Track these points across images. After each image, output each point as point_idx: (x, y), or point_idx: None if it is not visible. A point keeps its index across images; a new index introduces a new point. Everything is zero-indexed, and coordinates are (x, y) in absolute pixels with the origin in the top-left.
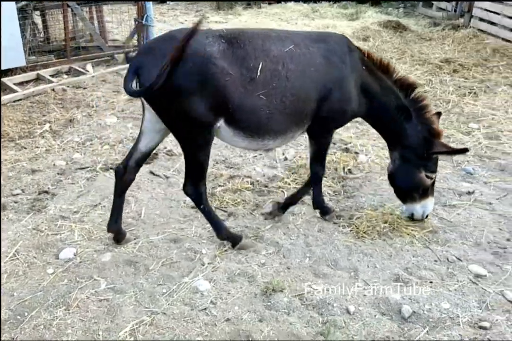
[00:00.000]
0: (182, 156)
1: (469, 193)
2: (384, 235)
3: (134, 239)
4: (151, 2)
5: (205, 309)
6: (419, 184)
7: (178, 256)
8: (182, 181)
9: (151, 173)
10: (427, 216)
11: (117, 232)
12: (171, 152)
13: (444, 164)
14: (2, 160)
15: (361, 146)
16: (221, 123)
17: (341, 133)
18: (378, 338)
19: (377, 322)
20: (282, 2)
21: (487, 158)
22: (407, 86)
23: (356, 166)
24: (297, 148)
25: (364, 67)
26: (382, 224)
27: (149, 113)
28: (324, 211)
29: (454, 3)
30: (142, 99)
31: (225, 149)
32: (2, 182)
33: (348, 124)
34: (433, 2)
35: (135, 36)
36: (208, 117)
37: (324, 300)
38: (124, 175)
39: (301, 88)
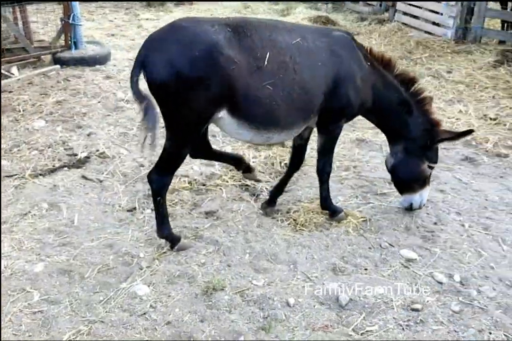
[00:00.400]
0: (116, 159)
1: None
2: (321, 226)
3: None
4: (77, 1)
5: (144, 313)
6: (421, 174)
7: (114, 261)
8: (116, 183)
9: (83, 177)
10: (423, 205)
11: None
12: (103, 154)
13: (375, 154)
14: None
15: None
16: (223, 114)
17: None
18: (318, 327)
19: (316, 312)
20: None
21: None
22: (408, 81)
23: None
24: (234, 145)
25: (368, 64)
26: (319, 215)
27: None
28: (332, 211)
29: None
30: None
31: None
32: None
33: None
34: None
35: (62, 36)
36: (210, 107)
37: (264, 295)
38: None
39: (309, 82)
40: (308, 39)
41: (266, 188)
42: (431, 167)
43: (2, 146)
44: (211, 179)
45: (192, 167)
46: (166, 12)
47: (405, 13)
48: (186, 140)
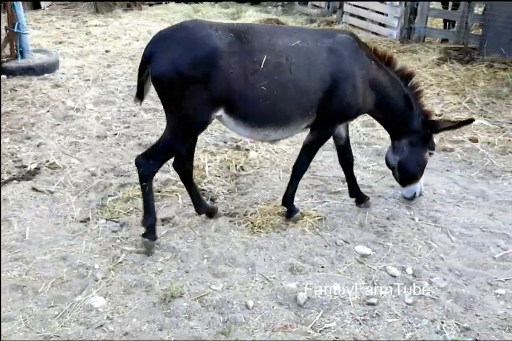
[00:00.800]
0: (67, 169)
1: None
2: (278, 227)
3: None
4: (22, 9)
5: (101, 326)
6: (425, 162)
7: (68, 274)
8: (68, 194)
9: (34, 189)
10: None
11: (207, 211)
12: (54, 165)
13: (328, 154)
14: None
15: (251, 143)
16: (221, 113)
17: (231, 132)
18: (277, 328)
19: (275, 312)
20: (164, 3)
21: (365, 144)
22: (407, 76)
23: (247, 163)
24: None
25: (372, 62)
26: (276, 217)
27: None
28: (290, 210)
29: None
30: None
31: (113, 157)
32: None
33: None
34: None
35: (8, 45)
36: (207, 106)
37: (223, 299)
38: (183, 167)
39: (305, 82)
40: (309, 41)
41: (222, 192)
42: (431, 154)
43: None
44: (166, 185)
45: None
46: (115, 18)
47: (352, 15)
48: (183, 136)
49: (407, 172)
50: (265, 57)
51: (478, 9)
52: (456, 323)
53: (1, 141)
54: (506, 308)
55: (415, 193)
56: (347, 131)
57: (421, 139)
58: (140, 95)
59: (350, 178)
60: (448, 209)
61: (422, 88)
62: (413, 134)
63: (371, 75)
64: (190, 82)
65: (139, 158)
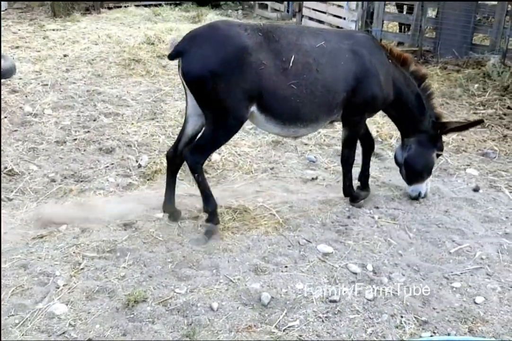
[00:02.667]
0: (25, 175)
1: (313, 179)
2: (241, 229)
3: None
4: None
5: (63, 333)
6: (432, 162)
7: (29, 282)
8: (27, 201)
9: None
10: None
11: (172, 211)
12: (12, 172)
13: (291, 155)
14: None
15: None
16: (254, 109)
17: None
18: (242, 329)
19: (239, 313)
20: (123, 7)
21: (326, 146)
22: (420, 77)
23: (210, 166)
24: (150, 154)
25: (390, 61)
26: (239, 218)
27: (191, 99)
28: (353, 197)
29: (286, 4)
30: (184, 84)
31: (73, 163)
32: None
33: None
34: (268, 3)
35: None
36: (242, 102)
37: (188, 302)
38: (175, 158)
39: (331, 81)
40: (332, 42)
41: (185, 195)
42: (438, 156)
43: None
44: (128, 189)
45: (107, 179)
46: (73, 22)
47: (311, 18)
48: (221, 131)
49: (412, 170)
50: (293, 56)
51: (431, 13)
52: (414, 317)
53: None
54: (462, 300)
55: (420, 192)
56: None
57: (429, 139)
58: None
59: (366, 167)
60: (405, 207)
61: (433, 90)
62: (423, 133)
63: (390, 73)
64: (222, 79)
65: (186, 152)
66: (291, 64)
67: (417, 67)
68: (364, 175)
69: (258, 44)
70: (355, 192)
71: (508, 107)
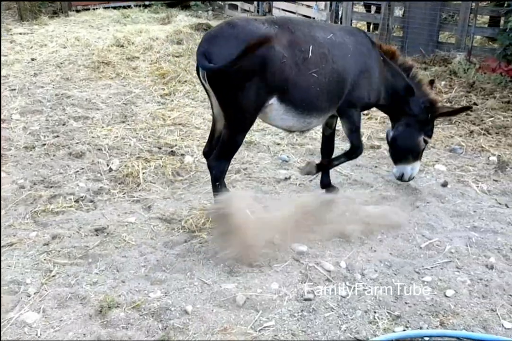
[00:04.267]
0: None
1: (286, 179)
2: (216, 230)
3: None
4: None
5: None
6: (417, 146)
7: None
8: None
9: None
10: (412, 178)
11: None
12: None
13: (263, 155)
14: None
15: (187, 148)
16: (273, 101)
17: (165, 137)
18: (217, 331)
19: (214, 315)
20: (92, 9)
21: (298, 145)
22: (408, 68)
23: (183, 168)
24: (121, 157)
25: (381, 57)
26: (212, 220)
27: (214, 99)
28: (317, 169)
29: (256, 4)
30: (205, 84)
31: (43, 168)
32: None
33: (172, 127)
34: (238, 4)
35: None
36: (263, 96)
37: (162, 306)
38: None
39: (343, 71)
40: (338, 36)
41: (158, 198)
42: (426, 142)
43: None
44: (99, 194)
45: (77, 184)
46: (40, 26)
47: None
48: (242, 127)
49: (397, 149)
50: (311, 46)
51: (398, 12)
52: (387, 312)
53: None
54: (433, 294)
55: (403, 174)
56: (336, 121)
57: (418, 124)
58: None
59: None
60: (378, 204)
61: (422, 77)
62: (411, 117)
63: (382, 67)
64: (247, 75)
65: (211, 162)
66: (310, 54)
67: (404, 59)
68: (326, 181)
69: (277, 36)
70: (322, 170)
71: (474, 104)
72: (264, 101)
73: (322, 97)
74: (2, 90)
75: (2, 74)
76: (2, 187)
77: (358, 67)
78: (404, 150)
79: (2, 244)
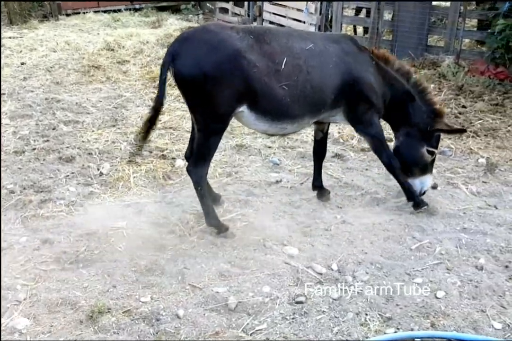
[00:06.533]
0: None
1: (277, 182)
2: (206, 234)
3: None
4: None
5: None
6: (420, 158)
7: None
8: None
9: None
10: (424, 192)
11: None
12: None
13: (255, 159)
14: None
15: (177, 152)
16: (244, 108)
17: (156, 141)
18: (209, 335)
19: (206, 319)
20: (82, 13)
21: (289, 148)
22: (406, 74)
23: (174, 171)
24: (112, 161)
25: (373, 62)
26: (204, 223)
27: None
28: (416, 203)
29: (246, 8)
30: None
31: (32, 173)
32: None
33: (163, 131)
34: (228, 7)
35: None
36: (232, 103)
37: (153, 311)
38: None
39: (320, 82)
40: (320, 45)
41: (149, 202)
42: (431, 153)
43: None
44: (90, 198)
45: (68, 189)
46: (30, 29)
47: (271, 22)
48: (213, 131)
49: (400, 161)
50: (285, 58)
51: (388, 16)
52: (379, 314)
53: None
54: (424, 296)
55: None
56: (328, 127)
57: (420, 134)
58: (163, 95)
59: (319, 170)
60: (368, 207)
61: (426, 85)
62: (412, 127)
63: (376, 74)
64: (215, 82)
65: (189, 167)
66: (283, 66)
67: (401, 64)
68: (318, 184)
69: (250, 46)
70: (417, 198)
71: (463, 106)
72: (233, 109)
73: (293, 106)
74: None
75: None
76: None
77: (343, 76)
78: (407, 163)
79: None
